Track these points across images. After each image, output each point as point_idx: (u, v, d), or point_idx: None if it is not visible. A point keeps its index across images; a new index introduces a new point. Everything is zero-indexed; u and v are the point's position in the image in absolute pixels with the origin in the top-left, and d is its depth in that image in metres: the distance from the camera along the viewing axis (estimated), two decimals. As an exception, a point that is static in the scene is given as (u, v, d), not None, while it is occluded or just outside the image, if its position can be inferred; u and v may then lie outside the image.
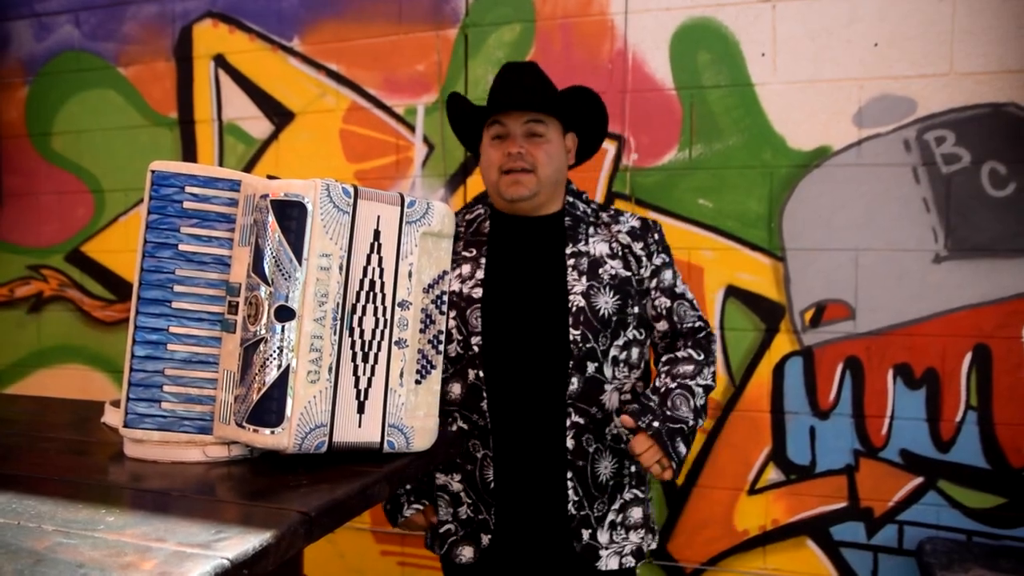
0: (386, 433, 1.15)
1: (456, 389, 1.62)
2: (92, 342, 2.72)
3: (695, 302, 1.70)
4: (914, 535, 1.97)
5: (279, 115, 2.47)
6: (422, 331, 1.20)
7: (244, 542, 0.78)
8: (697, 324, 1.67)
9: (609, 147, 2.17)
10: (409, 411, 1.18)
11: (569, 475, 1.56)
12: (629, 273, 1.62)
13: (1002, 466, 1.92)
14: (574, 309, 1.56)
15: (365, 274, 1.13)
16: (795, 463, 2.06)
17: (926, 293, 1.95)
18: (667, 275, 1.67)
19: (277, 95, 2.47)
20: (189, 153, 2.57)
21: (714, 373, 1.63)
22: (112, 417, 1.17)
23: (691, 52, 2.09)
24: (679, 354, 1.63)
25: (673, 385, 1.57)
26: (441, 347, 1.23)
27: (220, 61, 2.52)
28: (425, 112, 2.32)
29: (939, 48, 1.93)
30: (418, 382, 1.20)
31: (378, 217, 1.14)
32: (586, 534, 1.57)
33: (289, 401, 1.04)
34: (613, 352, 1.59)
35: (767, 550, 2.08)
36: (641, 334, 1.65)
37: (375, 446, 1.15)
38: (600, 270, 1.60)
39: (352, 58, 2.39)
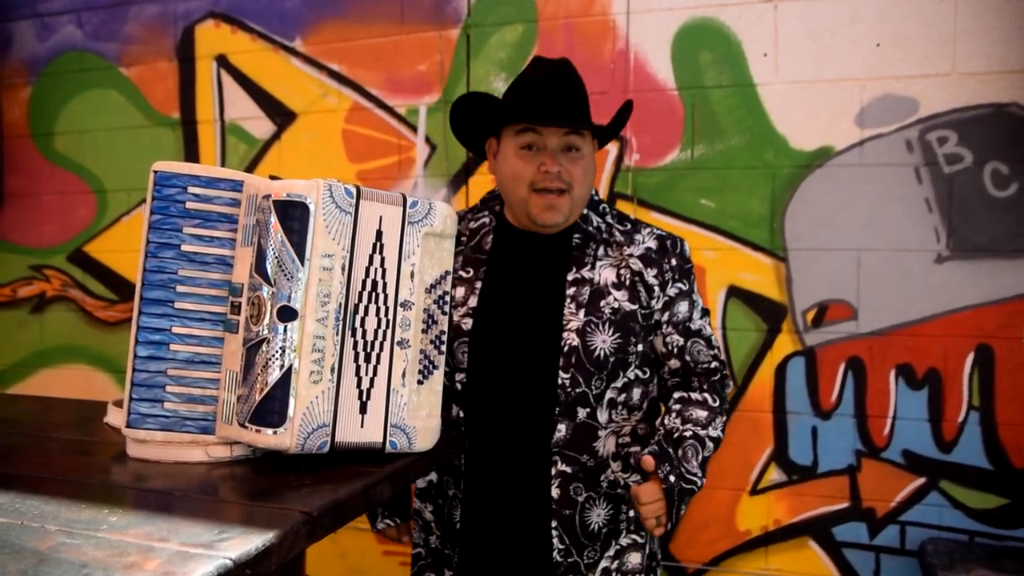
0: (388, 433, 1.15)
1: (449, 418, 1.52)
2: (94, 342, 2.72)
3: (713, 339, 1.55)
4: (916, 535, 1.97)
5: (281, 115, 2.47)
6: (424, 331, 1.20)
7: (247, 542, 0.78)
8: (712, 365, 1.53)
9: (611, 147, 2.17)
10: (411, 411, 1.18)
11: (554, 524, 1.45)
12: (635, 306, 1.46)
13: (1004, 466, 1.92)
14: (566, 349, 1.43)
15: (367, 274, 1.13)
16: (797, 463, 2.06)
17: (928, 293, 1.95)
18: (682, 307, 1.50)
19: (279, 95, 2.47)
20: (191, 153, 2.57)
21: (725, 423, 1.52)
22: (115, 417, 1.18)
23: (693, 52, 2.09)
24: (694, 396, 1.50)
25: (687, 432, 1.45)
26: (443, 347, 1.24)
27: (222, 61, 2.52)
28: (427, 112, 2.32)
29: (941, 48, 1.92)
30: (420, 382, 1.20)
31: (380, 217, 1.14)
32: None
33: (291, 401, 1.04)
34: (610, 395, 1.46)
35: (769, 550, 2.08)
36: (645, 373, 1.50)
37: (377, 446, 1.15)
38: (602, 302, 1.45)
39: (354, 58, 2.39)
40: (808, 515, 2.06)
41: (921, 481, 1.97)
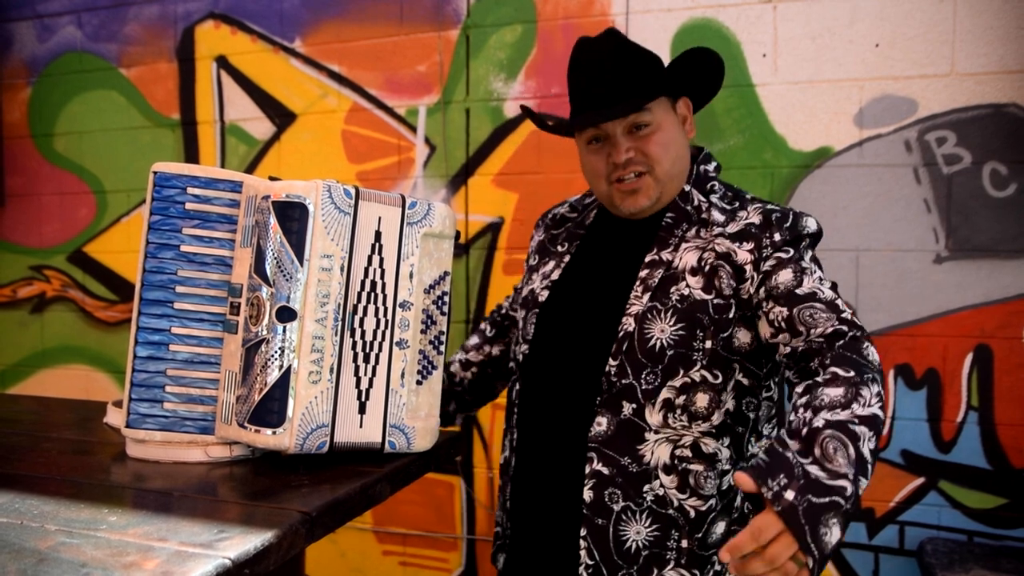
0: (387, 433, 1.16)
1: (514, 392, 1.45)
2: (94, 342, 2.72)
3: (836, 301, 1.20)
4: (915, 535, 1.97)
5: (281, 116, 2.47)
6: (423, 332, 1.20)
7: (246, 542, 0.79)
8: (836, 328, 1.16)
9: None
10: (410, 411, 1.18)
11: (583, 532, 1.27)
12: (709, 296, 1.25)
13: (1003, 466, 1.92)
14: (621, 334, 1.27)
15: (366, 275, 1.13)
16: (796, 463, 2.06)
17: (927, 293, 1.95)
18: (784, 276, 1.22)
19: (279, 96, 2.47)
20: (191, 154, 2.57)
21: (880, 395, 1.08)
22: (114, 417, 1.18)
23: (692, 53, 2.09)
24: (818, 378, 1.11)
25: (819, 422, 1.03)
26: (442, 348, 1.24)
27: (222, 62, 2.53)
28: (427, 113, 2.33)
29: (940, 48, 1.93)
30: (419, 383, 1.20)
31: (379, 218, 1.14)
32: None
33: (291, 402, 1.04)
34: (666, 394, 1.24)
35: (768, 550, 2.08)
36: (716, 377, 1.25)
37: (376, 446, 1.15)
38: (672, 287, 1.27)
39: (354, 59, 2.39)
40: (807, 515, 2.06)
41: (920, 481, 1.97)
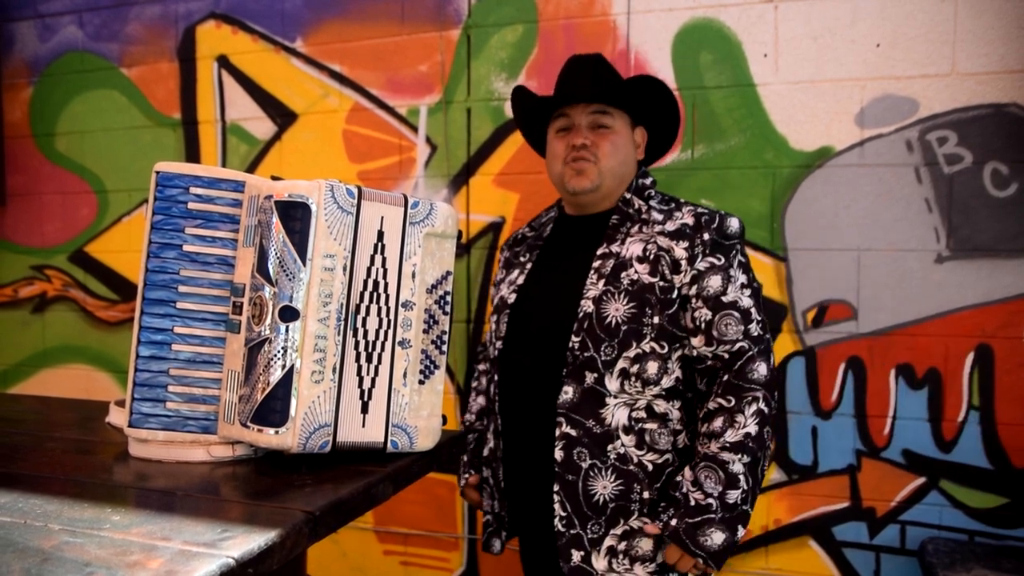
0: (389, 433, 1.16)
1: (492, 389, 1.68)
2: (95, 342, 2.73)
3: (752, 311, 1.48)
4: (916, 535, 1.97)
5: (282, 116, 2.47)
6: (425, 331, 1.21)
7: (249, 541, 0.79)
8: (737, 347, 1.45)
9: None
10: (413, 411, 1.18)
11: (556, 488, 1.48)
12: (655, 279, 1.48)
13: (1004, 466, 1.92)
14: (580, 315, 1.49)
15: (369, 275, 1.13)
16: (797, 463, 2.06)
17: (928, 293, 1.95)
18: (714, 281, 1.47)
19: (280, 96, 2.47)
20: (192, 154, 2.57)
21: (759, 412, 1.43)
22: (117, 417, 1.18)
23: (693, 53, 2.09)
24: (709, 405, 1.46)
25: (699, 460, 1.43)
26: (444, 347, 1.24)
27: (223, 62, 2.53)
28: (428, 113, 2.33)
29: (941, 48, 1.93)
30: (421, 382, 1.20)
31: (382, 218, 1.14)
32: (577, 556, 1.47)
33: (293, 401, 1.04)
34: (622, 364, 1.47)
35: (769, 550, 2.08)
36: (662, 347, 1.48)
37: (378, 446, 1.15)
38: (623, 274, 1.50)
39: (355, 59, 2.39)
40: (808, 515, 2.06)
41: (921, 481, 1.97)
